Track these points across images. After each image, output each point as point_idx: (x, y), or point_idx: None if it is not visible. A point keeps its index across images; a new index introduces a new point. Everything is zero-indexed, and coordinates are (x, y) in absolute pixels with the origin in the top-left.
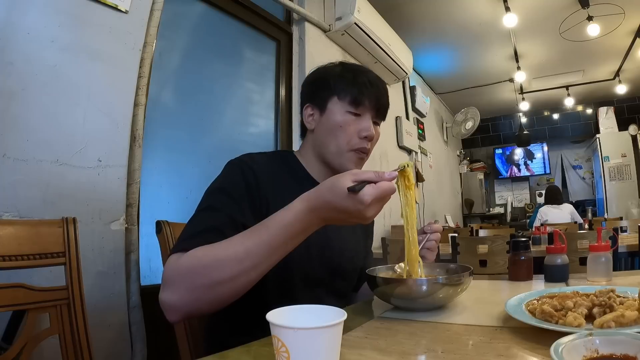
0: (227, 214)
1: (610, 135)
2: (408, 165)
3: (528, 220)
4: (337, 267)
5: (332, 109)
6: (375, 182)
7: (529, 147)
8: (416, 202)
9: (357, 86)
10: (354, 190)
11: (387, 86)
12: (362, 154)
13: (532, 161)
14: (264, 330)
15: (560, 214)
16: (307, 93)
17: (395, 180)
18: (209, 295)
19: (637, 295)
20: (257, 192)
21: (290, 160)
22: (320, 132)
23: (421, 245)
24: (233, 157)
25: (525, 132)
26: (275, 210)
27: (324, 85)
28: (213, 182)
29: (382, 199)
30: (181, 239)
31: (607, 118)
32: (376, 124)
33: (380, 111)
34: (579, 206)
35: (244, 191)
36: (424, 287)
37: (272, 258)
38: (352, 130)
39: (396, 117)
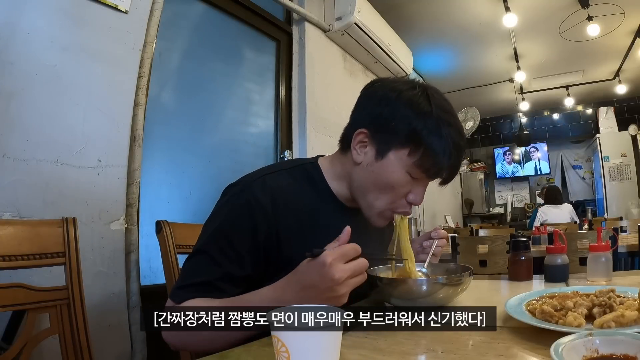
0: (224, 270)
1: (610, 135)
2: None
3: (528, 220)
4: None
5: (392, 161)
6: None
7: (528, 147)
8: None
9: (443, 156)
10: (312, 255)
11: None
12: (396, 215)
13: (539, 161)
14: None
15: (560, 214)
16: (369, 115)
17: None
18: (205, 350)
19: (637, 295)
20: (265, 235)
21: (314, 177)
22: (365, 174)
23: (431, 252)
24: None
25: (525, 132)
26: (286, 240)
27: (399, 126)
28: (215, 216)
29: (343, 257)
30: (177, 286)
31: (607, 118)
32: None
33: (444, 182)
34: (579, 206)
35: (248, 238)
36: (424, 287)
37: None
38: (402, 192)
39: None
